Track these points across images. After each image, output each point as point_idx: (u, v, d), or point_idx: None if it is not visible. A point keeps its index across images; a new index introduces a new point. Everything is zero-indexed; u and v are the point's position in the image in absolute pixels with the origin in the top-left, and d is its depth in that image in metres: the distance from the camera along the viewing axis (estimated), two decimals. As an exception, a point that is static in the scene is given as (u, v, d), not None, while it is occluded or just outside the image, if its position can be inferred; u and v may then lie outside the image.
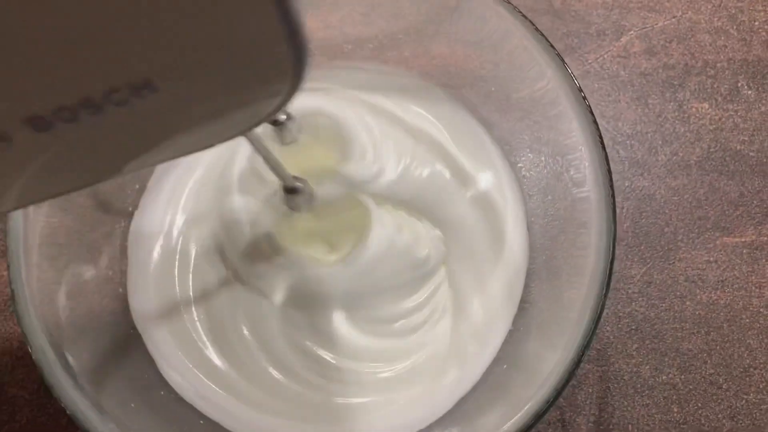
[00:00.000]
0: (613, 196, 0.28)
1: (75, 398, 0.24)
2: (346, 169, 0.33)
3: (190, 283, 0.33)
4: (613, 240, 0.28)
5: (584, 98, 0.29)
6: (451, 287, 0.34)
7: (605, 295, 0.28)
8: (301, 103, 0.33)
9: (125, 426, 0.24)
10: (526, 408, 0.27)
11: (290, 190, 0.27)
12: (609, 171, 0.28)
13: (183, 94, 0.15)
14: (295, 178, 0.27)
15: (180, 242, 0.34)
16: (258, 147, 0.24)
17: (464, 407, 0.31)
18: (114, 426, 0.24)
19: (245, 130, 0.18)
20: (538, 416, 0.25)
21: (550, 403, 0.25)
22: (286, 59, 0.14)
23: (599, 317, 0.27)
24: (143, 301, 0.32)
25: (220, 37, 0.13)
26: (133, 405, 0.27)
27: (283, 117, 0.28)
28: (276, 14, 0.13)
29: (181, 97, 0.15)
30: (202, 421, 0.30)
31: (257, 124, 0.18)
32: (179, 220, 0.34)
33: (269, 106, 0.17)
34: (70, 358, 0.25)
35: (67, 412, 0.24)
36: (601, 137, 0.28)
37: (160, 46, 0.13)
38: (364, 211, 0.32)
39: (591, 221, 0.28)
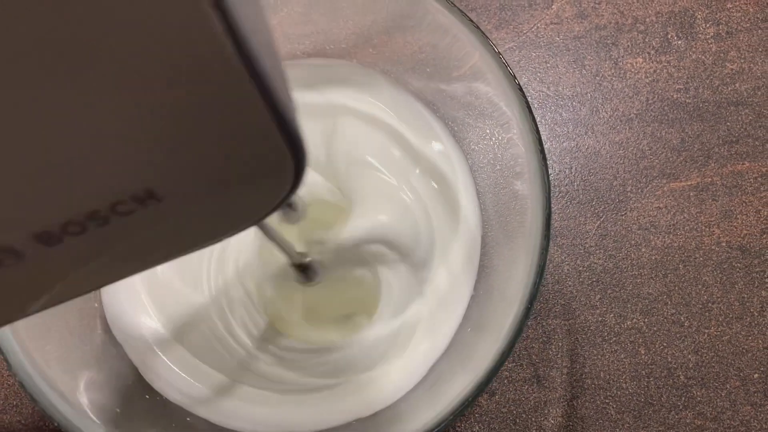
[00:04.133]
0: (544, 157, 0.29)
1: (64, 411, 0.25)
2: (345, 232, 0.34)
3: (164, 291, 0.35)
4: (548, 195, 0.29)
5: (507, 65, 0.30)
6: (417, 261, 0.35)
7: (545, 248, 0.29)
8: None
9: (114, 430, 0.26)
10: (487, 365, 0.28)
11: (299, 266, 0.28)
12: (538, 133, 0.29)
13: (186, 202, 0.15)
14: (300, 254, 0.28)
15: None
16: (265, 230, 0.24)
17: (436, 372, 0.33)
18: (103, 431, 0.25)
19: (251, 224, 0.18)
20: (496, 370, 0.27)
21: (505, 355, 0.27)
22: (285, 163, 0.15)
23: (542, 269, 0.29)
24: (119, 312, 0.33)
25: (218, 147, 0.14)
26: (118, 410, 0.28)
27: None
28: (274, 125, 0.14)
29: (184, 205, 0.16)
30: (189, 419, 0.31)
31: (262, 218, 0.18)
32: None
33: (271, 204, 0.17)
34: (54, 375, 0.27)
35: (58, 425, 0.25)
36: (527, 101, 0.29)
37: (161, 157, 0.14)
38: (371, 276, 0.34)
39: (526, 182, 0.30)
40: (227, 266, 0.34)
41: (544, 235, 0.28)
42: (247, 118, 0.13)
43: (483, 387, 0.26)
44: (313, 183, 0.35)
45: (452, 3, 0.33)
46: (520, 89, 0.29)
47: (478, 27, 0.32)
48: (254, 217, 0.18)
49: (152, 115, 0.13)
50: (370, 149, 0.35)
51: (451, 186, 0.35)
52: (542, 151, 0.29)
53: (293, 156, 0.15)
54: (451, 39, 0.34)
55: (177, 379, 0.32)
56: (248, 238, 0.34)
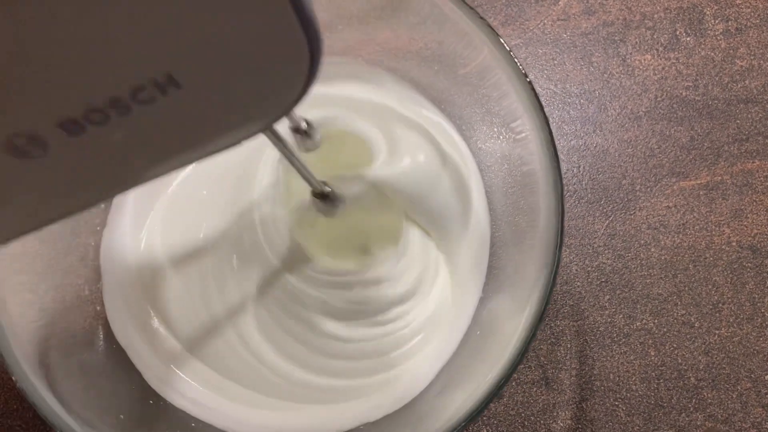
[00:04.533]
0: (556, 157, 0.29)
1: (66, 420, 0.25)
2: (372, 170, 0.34)
3: (165, 294, 0.34)
4: (561, 199, 0.29)
5: (519, 65, 0.29)
6: (428, 261, 0.35)
7: (559, 250, 0.28)
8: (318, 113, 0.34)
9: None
10: (497, 370, 0.28)
11: (320, 195, 0.28)
12: (550, 132, 0.29)
13: (205, 88, 0.15)
14: (322, 182, 0.28)
15: (150, 255, 0.34)
16: (286, 152, 0.24)
17: (446, 376, 0.32)
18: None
19: (269, 123, 0.19)
20: (508, 376, 0.26)
21: (517, 361, 0.26)
22: (301, 49, 0.15)
23: (555, 272, 0.28)
24: (121, 317, 0.33)
25: (237, 30, 0.14)
26: (122, 416, 0.28)
27: (304, 124, 0.28)
28: (290, 7, 0.14)
29: (204, 92, 0.16)
30: (194, 424, 0.31)
31: (280, 116, 0.18)
32: (148, 234, 0.35)
33: (288, 97, 0.17)
34: (56, 382, 0.26)
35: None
36: (538, 100, 0.29)
37: (179, 40, 0.14)
38: (394, 216, 0.34)
39: (538, 181, 0.29)
40: (251, 190, 0.34)
41: (558, 235, 0.27)
42: (265, 3, 0.14)
43: (492, 396, 0.26)
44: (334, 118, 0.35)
45: (459, -2, 0.33)
46: (531, 86, 0.29)
47: (486, 22, 0.32)
48: (273, 112, 0.18)
49: None
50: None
51: (464, 184, 0.35)
52: (554, 148, 0.28)
53: (308, 42, 0.15)
54: (459, 35, 0.34)
55: (184, 384, 0.32)
56: (269, 168, 0.34)
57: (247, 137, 0.19)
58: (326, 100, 0.35)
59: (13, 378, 0.25)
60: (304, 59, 0.15)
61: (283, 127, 0.28)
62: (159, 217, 0.35)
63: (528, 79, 0.29)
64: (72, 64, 0.13)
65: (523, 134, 0.31)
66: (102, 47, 0.13)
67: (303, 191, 0.33)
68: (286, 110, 0.18)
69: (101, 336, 0.32)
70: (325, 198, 0.28)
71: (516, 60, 0.29)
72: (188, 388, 0.32)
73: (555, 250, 0.27)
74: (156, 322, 0.33)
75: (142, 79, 0.14)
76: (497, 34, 0.31)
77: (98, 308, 0.33)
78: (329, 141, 0.32)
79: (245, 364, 0.33)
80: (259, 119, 0.18)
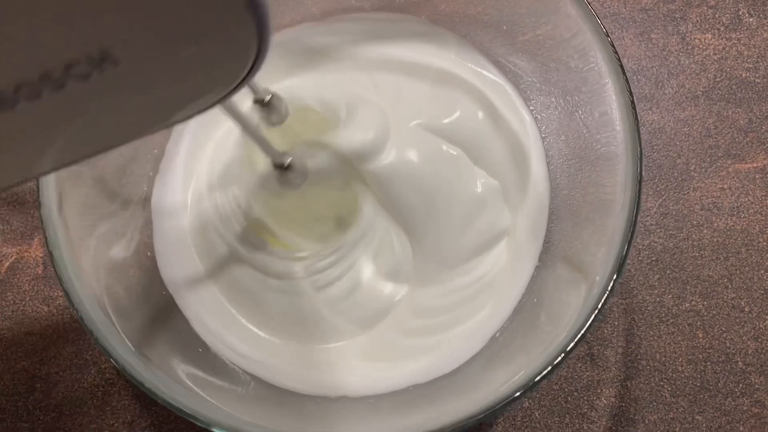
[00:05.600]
0: (638, 126, 0.28)
1: (124, 353, 0.24)
2: (339, 139, 0.32)
3: (211, 249, 0.33)
4: (640, 172, 0.28)
5: (606, 33, 0.29)
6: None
7: (633, 230, 0.28)
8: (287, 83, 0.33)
9: (171, 378, 0.25)
10: (555, 345, 0.27)
11: (280, 166, 0.27)
12: (633, 100, 0.28)
13: (145, 66, 0.15)
14: (283, 153, 0.27)
15: (198, 207, 0.34)
16: (241, 122, 0.23)
17: (497, 344, 0.32)
18: (163, 374, 0.24)
19: (214, 102, 0.18)
20: (566, 352, 0.25)
21: (577, 341, 0.25)
22: (247, 24, 0.14)
23: (626, 255, 0.28)
24: (171, 266, 0.32)
25: (176, 5, 0.13)
26: (175, 360, 0.27)
27: (268, 96, 0.27)
28: None
29: (144, 70, 0.15)
30: (242, 376, 0.30)
31: (225, 95, 0.17)
32: (197, 185, 0.34)
33: (236, 74, 0.16)
34: (113, 322, 0.26)
35: (117, 366, 0.24)
36: (623, 68, 0.28)
37: (115, 13, 0.13)
38: (353, 193, 0.33)
39: (617, 155, 0.28)
40: (206, 172, 0.34)
41: (632, 217, 0.27)
42: None
43: (544, 375, 0.25)
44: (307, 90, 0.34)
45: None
46: (614, 48, 0.28)
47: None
48: (216, 90, 0.17)
49: None
50: (434, 109, 0.34)
51: (524, 149, 0.34)
52: (636, 120, 0.27)
53: (254, 15, 0.14)
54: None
55: (230, 336, 0.31)
56: (230, 142, 0.34)
57: (195, 114, 0.18)
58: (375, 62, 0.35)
59: (79, 316, 0.25)
60: (251, 34, 0.14)
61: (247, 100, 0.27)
62: (204, 171, 0.35)
63: (609, 39, 0.28)
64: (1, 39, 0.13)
65: (596, 103, 0.31)
66: (30, 20, 0.12)
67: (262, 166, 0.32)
68: (235, 89, 0.17)
69: (152, 283, 0.31)
70: (285, 169, 0.27)
71: (598, 18, 0.28)
72: (233, 342, 0.32)
73: (628, 233, 0.27)
74: (205, 276, 0.32)
75: (76, 55, 0.13)
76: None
77: (149, 253, 0.32)
78: (296, 114, 0.32)
79: (292, 317, 0.32)
80: (204, 97, 0.17)
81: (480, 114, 0.34)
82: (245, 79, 0.16)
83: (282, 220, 0.33)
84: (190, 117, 0.18)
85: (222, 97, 0.17)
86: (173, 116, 0.18)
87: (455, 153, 0.33)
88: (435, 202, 0.32)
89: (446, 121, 0.33)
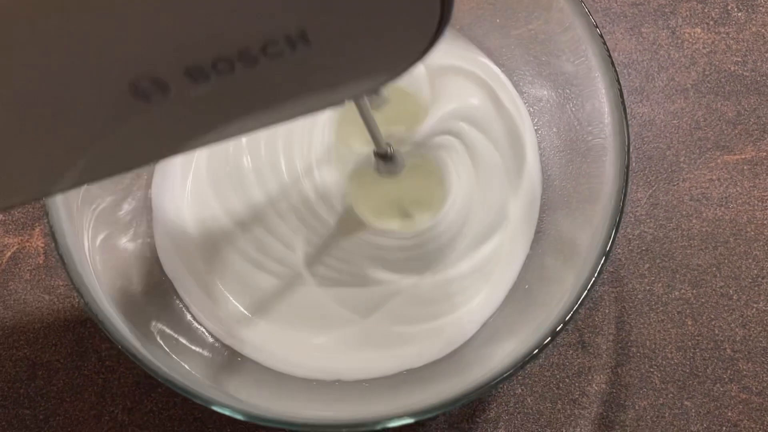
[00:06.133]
0: (626, 118, 0.29)
1: (125, 333, 0.25)
2: (420, 130, 0.34)
3: (211, 237, 0.34)
4: (627, 162, 0.29)
5: (596, 26, 0.29)
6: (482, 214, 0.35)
7: (620, 218, 0.29)
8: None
9: (172, 357, 0.25)
10: (545, 327, 0.28)
11: (383, 156, 0.28)
12: (621, 93, 0.29)
13: (333, 45, 0.15)
14: (387, 143, 0.28)
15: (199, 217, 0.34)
16: (363, 112, 0.24)
17: (492, 327, 0.32)
18: (162, 353, 0.25)
19: (394, 77, 0.18)
20: (555, 333, 0.26)
21: (566, 323, 0.26)
22: (432, 6, 0.15)
23: (613, 240, 0.28)
24: (170, 253, 0.33)
25: None
26: (175, 341, 0.28)
27: None
28: None
29: (332, 49, 0.15)
30: (239, 359, 0.31)
31: (406, 71, 0.18)
32: (194, 183, 0.35)
33: (415, 50, 0.17)
34: (116, 306, 0.26)
35: (119, 346, 0.25)
36: (612, 61, 0.29)
37: None
38: (439, 180, 0.34)
39: (605, 146, 0.29)
40: (298, 155, 0.34)
41: (619, 206, 0.27)
42: None
43: (537, 352, 0.26)
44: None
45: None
46: (604, 42, 0.29)
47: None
48: (400, 66, 0.17)
49: None
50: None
51: (521, 137, 0.35)
52: (624, 113, 0.28)
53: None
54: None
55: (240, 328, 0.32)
56: (319, 128, 0.34)
57: (369, 92, 0.19)
58: None
59: (80, 295, 0.25)
60: (435, 10, 0.15)
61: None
62: (203, 179, 0.35)
63: (600, 35, 0.29)
64: (210, 15, 0.13)
65: (586, 97, 0.31)
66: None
67: (353, 155, 0.33)
68: (412, 65, 0.17)
69: (151, 264, 0.32)
70: (387, 159, 0.28)
71: (591, 17, 0.29)
72: (230, 324, 0.32)
73: (615, 221, 0.27)
74: (202, 262, 0.33)
75: (277, 34, 0.14)
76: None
77: (149, 240, 0.33)
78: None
79: (296, 308, 0.33)
80: (384, 73, 0.18)
81: (484, 99, 0.35)
82: (424, 54, 0.17)
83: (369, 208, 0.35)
84: (360, 96, 0.19)
85: (399, 74, 0.18)
86: (349, 93, 0.18)
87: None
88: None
89: (462, 105, 0.34)
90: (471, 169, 0.34)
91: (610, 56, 0.29)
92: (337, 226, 0.34)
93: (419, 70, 0.35)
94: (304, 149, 0.34)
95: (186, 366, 0.27)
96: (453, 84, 0.35)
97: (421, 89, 0.35)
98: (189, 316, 0.32)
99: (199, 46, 0.14)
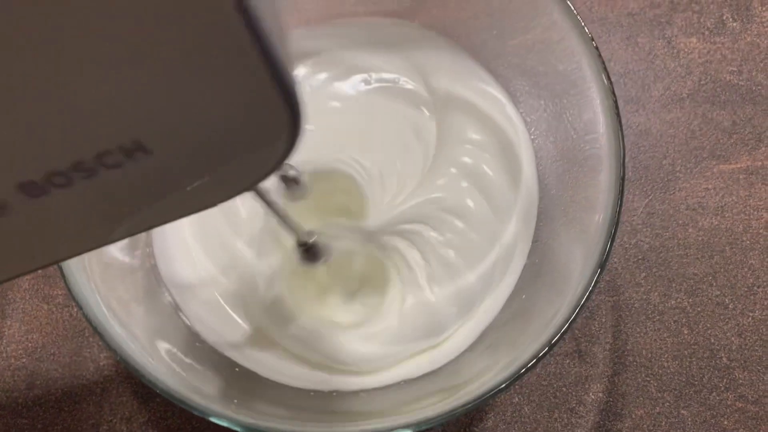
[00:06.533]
0: (621, 128, 0.29)
1: (121, 342, 0.25)
2: (361, 221, 0.34)
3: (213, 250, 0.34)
4: (622, 173, 0.29)
5: (591, 38, 0.30)
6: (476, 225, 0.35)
7: (616, 228, 0.29)
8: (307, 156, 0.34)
9: (175, 371, 0.26)
10: (541, 338, 0.28)
11: (304, 245, 0.27)
12: (616, 104, 0.29)
13: (176, 155, 0.15)
14: (309, 233, 0.27)
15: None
16: (268, 202, 0.23)
17: (489, 337, 0.33)
18: (164, 370, 0.25)
19: (245, 189, 0.17)
20: (554, 342, 0.26)
21: (563, 333, 0.26)
22: (281, 118, 0.14)
23: (610, 248, 0.29)
24: (171, 267, 0.33)
25: (212, 100, 0.13)
26: (172, 351, 0.28)
27: (292, 173, 0.26)
28: (268, 76, 0.13)
29: (175, 158, 0.15)
30: (237, 369, 0.31)
31: (256, 183, 0.17)
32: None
33: (266, 164, 0.16)
34: (115, 317, 0.26)
35: (117, 356, 0.25)
36: (607, 72, 0.29)
37: (149, 108, 0.13)
38: (380, 265, 0.34)
39: (601, 156, 0.29)
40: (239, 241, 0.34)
41: (615, 216, 0.28)
42: (243, 73, 0.13)
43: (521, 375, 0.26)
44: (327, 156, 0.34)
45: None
46: (598, 52, 0.29)
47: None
48: (248, 181, 0.17)
49: (143, 63, 0.12)
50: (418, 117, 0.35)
51: (515, 150, 0.35)
52: (621, 128, 0.28)
53: (289, 110, 0.14)
54: (517, 2, 0.34)
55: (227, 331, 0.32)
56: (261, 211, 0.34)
57: (224, 200, 0.17)
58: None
59: (82, 311, 0.26)
60: (285, 128, 0.14)
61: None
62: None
63: (594, 44, 0.29)
64: (34, 131, 0.13)
65: (583, 108, 0.31)
66: (72, 111, 0.13)
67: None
68: (265, 177, 0.17)
69: (152, 278, 0.32)
70: (308, 249, 0.27)
71: (585, 27, 0.29)
72: (231, 338, 0.32)
73: (611, 232, 0.28)
74: (205, 276, 0.33)
75: (109, 145, 0.14)
76: (568, 1, 0.31)
77: (148, 250, 0.33)
78: (319, 183, 0.32)
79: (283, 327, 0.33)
80: (237, 184, 0.17)
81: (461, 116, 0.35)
82: (275, 168, 0.16)
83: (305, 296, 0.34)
84: (218, 203, 0.18)
85: (251, 185, 0.17)
86: (197, 203, 0.18)
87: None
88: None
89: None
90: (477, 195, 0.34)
91: (605, 68, 0.30)
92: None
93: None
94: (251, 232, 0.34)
95: (183, 375, 0.28)
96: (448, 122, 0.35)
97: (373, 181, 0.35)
98: (186, 327, 0.32)
99: (27, 163, 0.13)
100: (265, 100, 0.14)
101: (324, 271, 0.34)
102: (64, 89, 0.12)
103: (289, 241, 0.30)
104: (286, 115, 0.14)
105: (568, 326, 0.27)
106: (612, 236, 0.28)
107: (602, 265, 0.28)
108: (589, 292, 0.27)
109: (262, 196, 0.22)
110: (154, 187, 0.16)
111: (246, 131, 0.15)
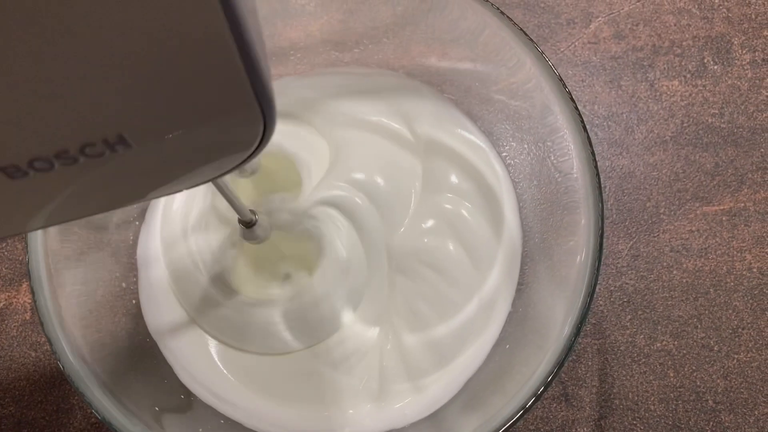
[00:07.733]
0: (598, 175, 0.30)
1: (105, 404, 0.25)
2: (299, 198, 0.34)
3: (191, 297, 0.34)
4: (602, 215, 0.29)
5: (563, 84, 0.30)
6: (456, 274, 0.35)
7: (597, 270, 0.29)
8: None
9: (152, 427, 0.26)
10: (528, 385, 0.28)
11: (246, 224, 0.28)
12: (592, 152, 0.29)
13: (155, 148, 0.15)
14: (251, 211, 0.28)
15: (172, 254, 0.35)
16: (217, 183, 0.24)
17: (472, 388, 0.33)
18: (143, 427, 0.25)
19: (216, 177, 0.19)
20: (540, 392, 0.26)
21: (553, 376, 0.26)
22: (254, 117, 0.15)
23: (593, 291, 0.29)
24: (155, 314, 0.33)
25: (191, 98, 0.14)
26: (157, 408, 0.28)
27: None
28: (246, 78, 0.14)
29: (154, 152, 0.16)
30: (222, 421, 0.31)
31: (228, 172, 0.18)
32: (171, 230, 0.35)
33: (240, 157, 0.17)
34: (96, 371, 0.27)
35: (98, 416, 0.25)
36: (582, 119, 0.30)
37: (133, 105, 0.14)
38: (312, 245, 0.34)
39: (579, 201, 0.30)
40: (179, 218, 0.35)
41: (596, 259, 0.28)
42: (222, 73, 0.14)
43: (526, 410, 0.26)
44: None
45: (501, 12, 0.33)
46: (576, 108, 0.29)
47: (528, 35, 0.32)
48: (223, 168, 0.18)
49: (131, 63, 0.13)
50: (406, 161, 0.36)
51: (497, 197, 0.35)
52: (598, 175, 0.29)
53: (261, 111, 0.15)
54: (498, 49, 0.34)
55: (213, 381, 0.32)
56: (200, 192, 0.35)
57: (199, 185, 0.19)
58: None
59: (60, 365, 0.26)
60: (257, 126, 0.16)
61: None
62: (178, 218, 0.36)
63: (572, 99, 0.29)
64: (20, 119, 0.13)
65: (562, 152, 0.32)
66: (63, 104, 0.13)
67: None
68: (237, 168, 0.18)
69: (136, 330, 0.32)
70: (250, 226, 0.28)
71: (560, 78, 0.30)
72: (217, 385, 0.32)
73: (593, 270, 0.28)
74: (190, 324, 0.33)
75: (93, 138, 0.14)
76: (541, 51, 0.31)
77: (134, 302, 0.33)
78: (265, 163, 0.33)
79: (271, 364, 0.33)
80: (208, 174, 0.19)
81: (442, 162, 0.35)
82: (248, 160, 0.17)
83: (249, 265, 0.35)
84: (188, 188, 0.19)
85: (223, 174, 0.19)
86: (171, 188, 0.19)
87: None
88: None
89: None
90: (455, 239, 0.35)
91: (581, 118, 0.30)
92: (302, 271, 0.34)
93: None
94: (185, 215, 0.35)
95: (162, 424, 0.28)
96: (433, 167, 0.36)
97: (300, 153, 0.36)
98: (172, 377, 0.32)
99: (11, 149, 0.14)
100: (240, 95, 0.14)
101: (261, 249, 0.34)
102: (62, 88, 0.13)
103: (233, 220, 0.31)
104: (258, 109, 0.15)
105: (553, 377, 0.27)
106: (594, 281, 0.29)
107: (585, 312, 0.28)
108: (573, 344, 0.28)
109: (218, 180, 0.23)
110: (132, 174, 0.17)
111: (223, 128, 0.16)
